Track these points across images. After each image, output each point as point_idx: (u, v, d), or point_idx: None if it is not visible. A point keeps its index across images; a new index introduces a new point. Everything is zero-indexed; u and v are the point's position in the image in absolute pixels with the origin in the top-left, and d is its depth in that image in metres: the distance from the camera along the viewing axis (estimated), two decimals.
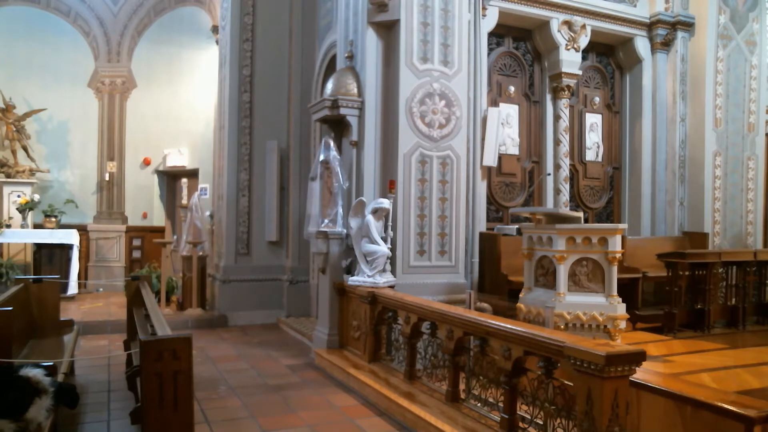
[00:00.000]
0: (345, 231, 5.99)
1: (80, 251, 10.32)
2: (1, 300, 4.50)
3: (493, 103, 7.52)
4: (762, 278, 6.90)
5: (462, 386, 4.28)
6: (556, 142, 7.87)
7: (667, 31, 8.30)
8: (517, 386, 3.59)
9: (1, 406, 2.96)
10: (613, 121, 8.66)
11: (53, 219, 10.50)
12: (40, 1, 10.94)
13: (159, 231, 11.33)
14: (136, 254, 11.44)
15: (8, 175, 10.44)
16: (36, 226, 10.39)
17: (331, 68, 7.40)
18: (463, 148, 6.21)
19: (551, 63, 7.85)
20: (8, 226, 9.94)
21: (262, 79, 8.59)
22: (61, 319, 5.71)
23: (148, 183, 11.66)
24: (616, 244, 5.04)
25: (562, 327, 4.96)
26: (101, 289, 10.60)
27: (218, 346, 6.97)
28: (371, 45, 6.08)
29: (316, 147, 7.81)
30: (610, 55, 8.60)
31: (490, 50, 7.50)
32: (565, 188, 7.84)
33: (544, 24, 7.66)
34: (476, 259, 6.76)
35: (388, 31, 6.10)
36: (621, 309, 5.04)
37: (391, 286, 5.64)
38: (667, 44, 8.37)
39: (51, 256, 9.99)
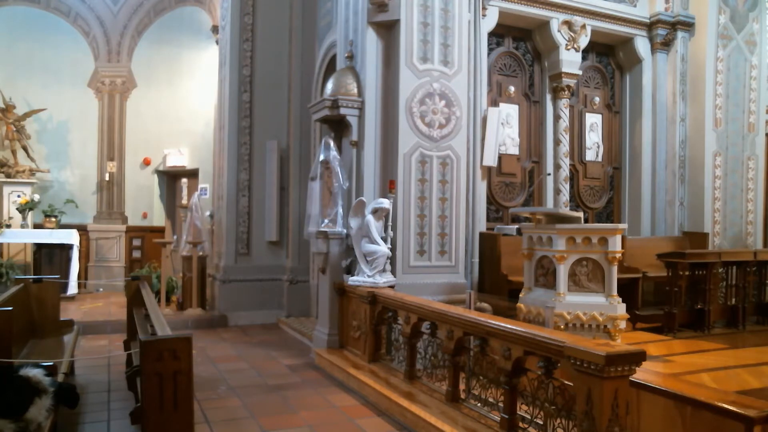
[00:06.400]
0: (345, 231, 5.99)
1: (80, 251, 10.32)
2: (1, 300, 4.51)
3: (493, 103, 7.51)
4: (762, 278, 6.90)
5: (462, 386, 4.28)
6: (556, 142, 7.87)
7: (667, 31, 8.30)
8: (517, 386, 3.59)
9: (1, 406, 2.96)
10: (613, 121, 8.65)
11: (53, 219, 10.51)
12: (40, 1, 10.95)
13: (159, 231, 11.33)
14: (136, 254, 11.44)
15: (8, 175, 10.44)
16: (36, 226, 10.39)
17: (331, 68, 7.40)
18: (463, 148, 6.21)
19: (551, 63, 7.84)
20: (8, 226, 9.95)
21: (262, 79, 8.59)
22: (61, 319, 5.72)
23: (148, 183, 11.66)
24: (616, 244, 5.03)
25: (562, 327, 4.96)
26: (101, 289, 10.60)
27: (218, 346, 6.97)
28: (371, 45, 6.08)
29: (316, 147, 7.81)
30: (610, 55, 8.60)
31: (490, 50, 7.50)
32: (565, 188, 7.83)
33: (544, 24, 7.66)
34: (476, 259, 6.76)
35: (388, 31, 6.10)
36: (621, 309, 5.04)
37: (391, 286, 5.64)
38: (667, 44, 8.37)
39: (51, 256, 9.99)
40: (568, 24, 7.67)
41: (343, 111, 6.03)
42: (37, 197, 10.44)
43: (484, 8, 7.02)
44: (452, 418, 3.96)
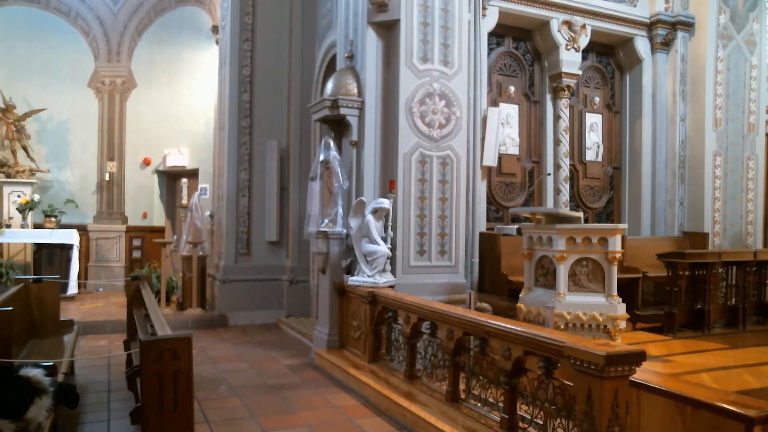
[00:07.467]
0: (345, 231, 5.99)
1: (80, 251, 10.31)
2: (1, 300, 4.51)
3: (493, 103, 7.51)
4: (762, 278, 6.90)
5: (462, 386, 4.28)
6: (556, 142, 7.87)
7: (667, 31, 8.30)
8: (517, 386, 3.59)
9: (1, 406, 2.96)
10: (613, 121, 8.66)
11: (53, 219, 10.50)
12: (40, 1, 10.94)
13: (159, 231, 11.33)
14: (136, 254, 11.44)
15: (8, 175, 10.44)
16: (36, 226, 10.39)
17: (331, 68, 7.40)
18: (463, 148, 6.21)
19: (551, 63, 7.84)
20: (8, 226, 9.94)
21: (262, 79, 8.59)
22: (61, 319, 5.72)
23: (148, 183, 11.66)
24: (616, 244, 5.04)
25: (562, 327, 4.96)
26: (101, 289, 10.59)
27: (218, 346, 6.97)
28: (371, 45, 6.08)
29: (316, 147, 7.81)
30: (610, 55, 8.60)
31: (490, 50, 7.50)
32: (565, 188, 7.83)
33: (544, 24, 7.66)
34: (476, 259, 6.75)
35: (388, 31, 6.10)
36: (621, 309, 5.04)
37: (391, 286, 5.64)
38: (667, 44, 8.37)
39: (51, 256, 9.98)
40: (568, 24, 7.67)
41: (343, 111, 6.03)
42: (37, 197, 10.44)
43: (484, 8, 7.02)
44: (452, 418, 3.96)
